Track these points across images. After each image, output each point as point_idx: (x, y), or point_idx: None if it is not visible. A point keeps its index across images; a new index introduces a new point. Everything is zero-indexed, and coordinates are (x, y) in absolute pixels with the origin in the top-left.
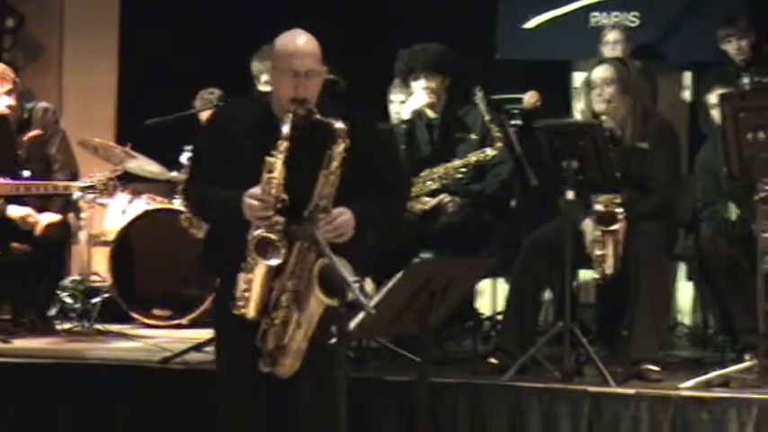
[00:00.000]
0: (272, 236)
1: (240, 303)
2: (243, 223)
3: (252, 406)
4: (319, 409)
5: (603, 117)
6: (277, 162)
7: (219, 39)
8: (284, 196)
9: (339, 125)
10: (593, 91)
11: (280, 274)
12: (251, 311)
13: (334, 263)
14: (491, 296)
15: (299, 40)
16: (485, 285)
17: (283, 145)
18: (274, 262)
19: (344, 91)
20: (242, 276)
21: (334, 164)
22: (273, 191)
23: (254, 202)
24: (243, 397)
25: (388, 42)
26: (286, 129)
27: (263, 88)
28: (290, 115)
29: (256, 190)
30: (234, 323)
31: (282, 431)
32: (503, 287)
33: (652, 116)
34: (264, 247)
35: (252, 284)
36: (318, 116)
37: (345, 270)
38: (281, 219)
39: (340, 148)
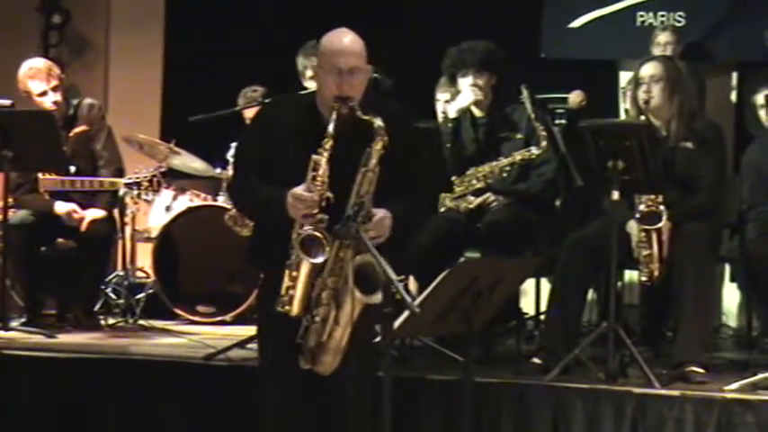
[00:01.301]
0: (319, 234)
1: (284, 300)
2: (287, 220)
3: (295, 403)
4: (363, 407)
5: (646, 116)
6: (322, 160)
7: (264, 35)
8: (329, 194)
9: (379, 122)
10: (639, 88)
11: (321, 271)
12: (294, 309)
13: (379, 261)
14: (535, 296)
15: (344, 39)
16: (528, 285)
17: (328, 143)
18: (320, 260)
19: (390, 90)
20: (287, 273)
21: (373, 161)
22: (318, 189)
23: (299, 201)
24: (285, 393)
25: (434, 41)
26: (331, 127)
27: (308, 84)
28: (335, 113)
29: (301, 188)
30: (277, 319)
31: (326, 429)
32: (547, 287)
33: (699, 117)
34: (310, 245)
35: (296, 282)
36: (360, 114)
37: (389, 269)
38: (325, 216)
39: (379, 145)
